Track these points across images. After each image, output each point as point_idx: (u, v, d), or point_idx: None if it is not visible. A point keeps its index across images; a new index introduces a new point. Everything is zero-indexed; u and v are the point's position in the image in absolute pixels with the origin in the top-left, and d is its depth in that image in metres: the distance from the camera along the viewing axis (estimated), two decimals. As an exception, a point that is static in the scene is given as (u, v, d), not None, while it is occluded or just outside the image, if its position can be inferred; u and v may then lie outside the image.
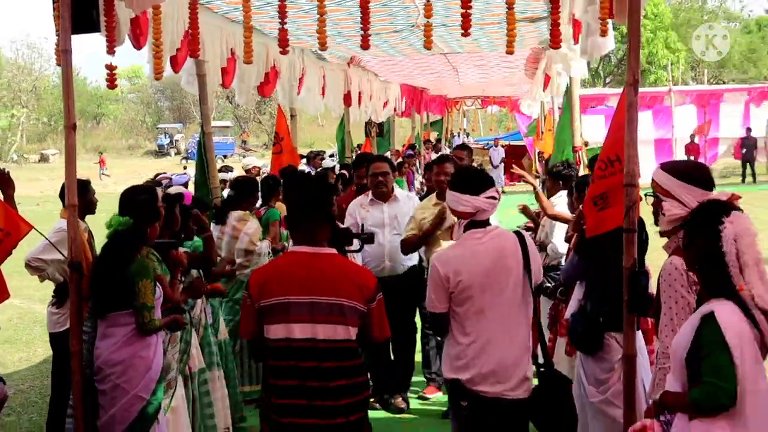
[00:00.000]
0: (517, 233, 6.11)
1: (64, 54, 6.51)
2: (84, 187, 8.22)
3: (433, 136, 36.29)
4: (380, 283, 7.74)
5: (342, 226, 6.91)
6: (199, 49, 8.26)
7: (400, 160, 21.12)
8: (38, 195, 42.21)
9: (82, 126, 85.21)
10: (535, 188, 9.38)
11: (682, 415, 4.45)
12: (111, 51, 7.03)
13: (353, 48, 13.57)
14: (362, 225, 8.34)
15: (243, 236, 9.42)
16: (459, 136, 47.09)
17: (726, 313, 4.34)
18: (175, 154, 72.32)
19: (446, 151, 34.51)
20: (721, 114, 40.45)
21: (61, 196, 7.66)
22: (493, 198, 5.98)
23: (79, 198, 7.49)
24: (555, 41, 7.08)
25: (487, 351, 5.83)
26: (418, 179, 22.99)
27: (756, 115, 40.17)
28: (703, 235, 4.51)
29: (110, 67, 7.26)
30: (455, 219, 6.57)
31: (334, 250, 5.36)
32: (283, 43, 7.46)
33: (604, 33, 6.53)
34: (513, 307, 5.90)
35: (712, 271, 4.47)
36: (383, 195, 9.85)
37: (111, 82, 7.31)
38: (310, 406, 5.18)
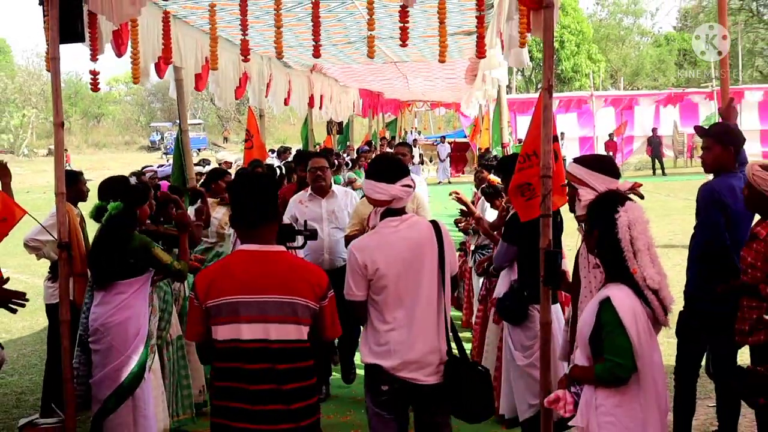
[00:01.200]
0: (433, 222, 5.52)
1: (52, 61, 6.41)
2: (75, 177, 8.16)
3: (387, 134, 36.20)
4: None
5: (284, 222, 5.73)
6: (171, 56, 8.16)
7: (354, 155, 21.14)
8: (45, 184, 41.81)
9: (84, 124, 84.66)
10: (473, 212, 8.65)
11: (589, 386, 4.50)
12: (94, 58, 6.96)
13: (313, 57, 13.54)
14: (306, 221, 6.65)
15: (213, 221, 9.24)
16: (411, 133, 47.03)
17: (620, 297, 4.38)
18: (165, 149, 71.78)
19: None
20: (635, 116, 40.94)
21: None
22: (408, 186, 5.37)
23: (71, 187, 7.47)
24: (480, 51, 7.06)
25: (408, 339, 5.25)
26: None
27: (665, 116, 40.65)
28: (601, 223, 4.52)
29: (93, 72, 7.23)
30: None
31: (283, 248, 4.61)
32: (245, 52, 7.41)
33: (522, 44, 6.51)
34: (430, 295, 5.32)
35: (609, 255, 4.49)
36: (321, 190, 8.89)
37: (94, 86, 7.28)
38: (260, 411, 4.43)
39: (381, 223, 5.44)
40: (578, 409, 4.54)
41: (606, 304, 4.39)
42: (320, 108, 17.85)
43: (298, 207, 8.91)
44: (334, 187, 9.11)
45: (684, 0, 79.64)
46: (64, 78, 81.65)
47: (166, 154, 63.04)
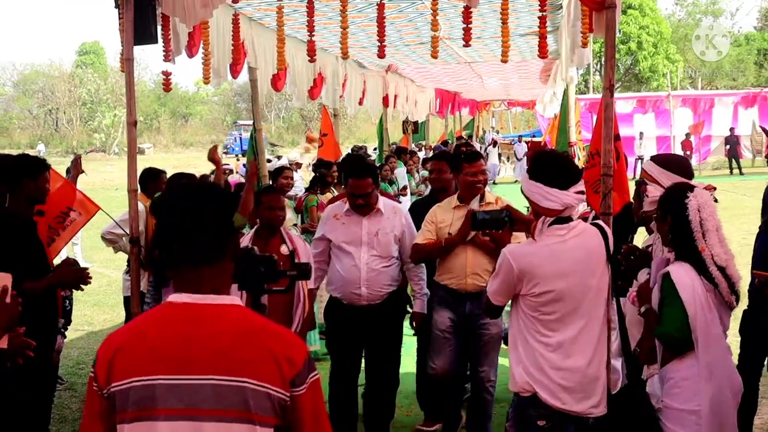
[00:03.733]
0: (599, 227, 4.79)
1: (127, 62, 6.50)
2: (155, 174, 8.33)
3: (464, 133, 36.14)
4: (354, 314, 6.86)
5: (261, 254, 3.83)
6: (241, 57, 8.25)
7: (431, 153, 21.14)
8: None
9: (173, 123, 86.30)
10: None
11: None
12: (167, 59, 7.03)
13: (389, 58, 13.57)
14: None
15: None
16: (489, 133, 46.88)
17: (678, 271, 4.48)
18: (225, 148, 71.33)
19: (477, 147, 34.27)
20: (713, 115, 40.17)
21: (142, 181, 7.84)
22: (582, 193, 4.63)
23: (152, 183, 7.66)
24: (542, 51, 6.96)
25: (571, 361, 4.51)
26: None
27: (743, 116, 39.82)
28: (674, 209, 4.61)
29: (165, 73, 7.32)
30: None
31: (236, 300, 2.76)
32: (311, 52, 7.40)
33: (584, 44, 6.42)
34: (597, 313, 4.61)
35: (680, 237, 4.58)
36: (363, 210, 6.94)
37: (166, 85, 7.36)
38: None
39: (547, 231, 4.60)
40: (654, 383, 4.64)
41: (665, 278, 4.50)
42: (394, 107, 17.84)
43: (332, 223, 7.06)
44: (382, 202, 7.07)
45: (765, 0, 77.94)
46: (154, 79, 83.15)
47: (226, 153, 63.56)
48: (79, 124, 77.96)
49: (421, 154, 21.78)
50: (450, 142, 28.21)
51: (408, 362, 8.12)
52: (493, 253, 6.25)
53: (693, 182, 5.05)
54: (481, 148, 35.79)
